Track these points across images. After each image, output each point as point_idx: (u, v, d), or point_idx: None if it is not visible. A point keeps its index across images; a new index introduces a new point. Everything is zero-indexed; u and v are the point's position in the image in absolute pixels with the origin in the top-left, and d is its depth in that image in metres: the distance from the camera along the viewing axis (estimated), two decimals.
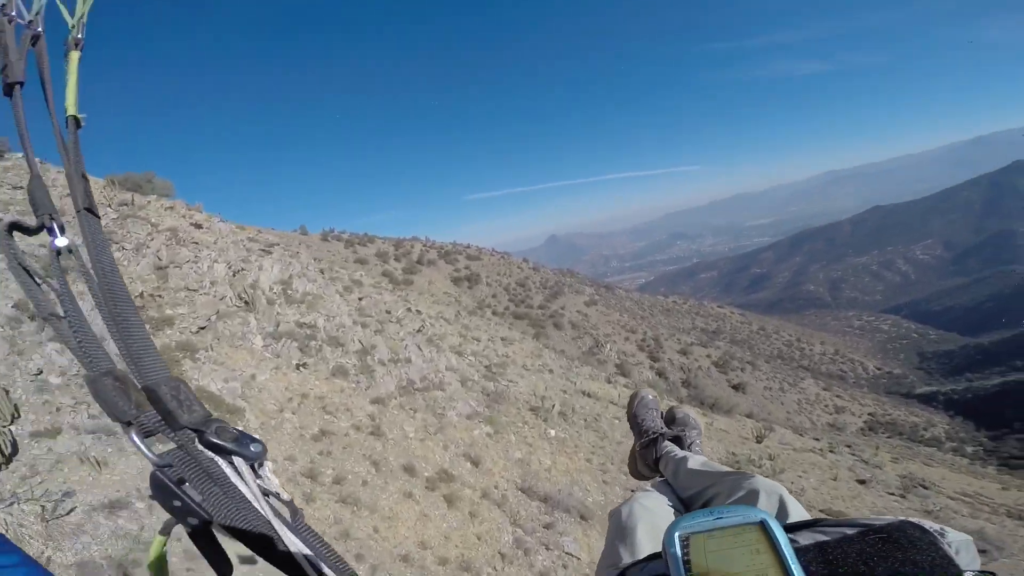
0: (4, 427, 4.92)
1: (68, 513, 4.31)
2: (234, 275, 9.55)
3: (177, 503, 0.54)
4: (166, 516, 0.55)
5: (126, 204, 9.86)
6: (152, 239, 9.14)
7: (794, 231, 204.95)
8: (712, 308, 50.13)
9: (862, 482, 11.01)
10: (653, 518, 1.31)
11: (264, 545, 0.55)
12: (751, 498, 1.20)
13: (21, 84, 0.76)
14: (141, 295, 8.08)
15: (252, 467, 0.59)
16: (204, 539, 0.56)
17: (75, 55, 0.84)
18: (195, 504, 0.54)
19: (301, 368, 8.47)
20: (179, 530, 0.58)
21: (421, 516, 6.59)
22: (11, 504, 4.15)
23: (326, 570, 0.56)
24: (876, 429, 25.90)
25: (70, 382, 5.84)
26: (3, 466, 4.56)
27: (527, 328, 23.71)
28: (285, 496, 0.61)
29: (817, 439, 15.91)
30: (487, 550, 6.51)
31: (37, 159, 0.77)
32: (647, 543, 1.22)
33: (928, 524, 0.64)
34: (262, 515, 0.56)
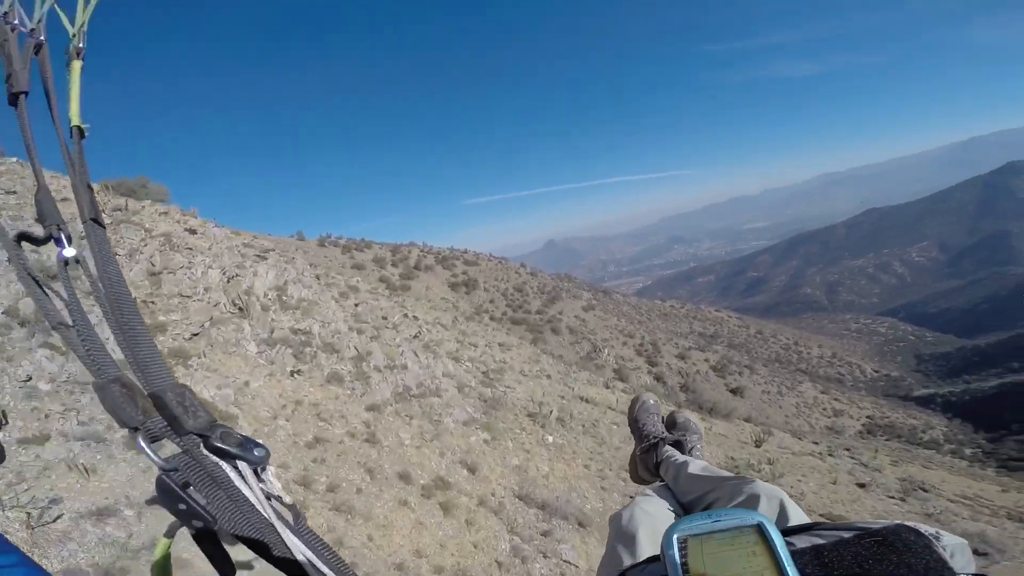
0: None
1: (55, 520, 4.26)
2: (228, 281, 9.51)
3: (182, 506, 0.55)
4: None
5: (119, 209, 9.80)
6: (146, 245, 9.09)
7: (791, 234, 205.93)
8: (709, 312, 50.24)
9: (862, 486, 11.00)
10: (654, 522, 1.32)
11: (267, 548, 0.56)
12: (752, 503, 1.21)
13: (26, 94, 0.77)
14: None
15: (255, 471, 0.60)
16: (208, 542, 0.57)
17: (77, 64, 0.83)
18: (200, 507, 0.55)
19: (295, 375, 8.43)
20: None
21: (416, 524, 6.54)
22: None
23: (328, 572, 0.57)
24: (875, 432, 25.93)
25: (59, 389, 5.79)
26: None
27: (525, 333, 23.68)
28: (287, 499, 0.61)
29: (816, 443, 15.90)
30: (484, 558, 6.45)
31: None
32: (648, 547, 1.22)
33: (923, 527, 0.65)
34: (265, 518, 0.57)
